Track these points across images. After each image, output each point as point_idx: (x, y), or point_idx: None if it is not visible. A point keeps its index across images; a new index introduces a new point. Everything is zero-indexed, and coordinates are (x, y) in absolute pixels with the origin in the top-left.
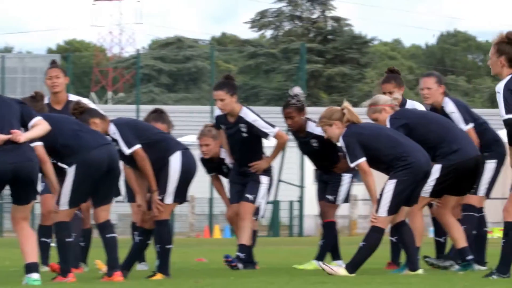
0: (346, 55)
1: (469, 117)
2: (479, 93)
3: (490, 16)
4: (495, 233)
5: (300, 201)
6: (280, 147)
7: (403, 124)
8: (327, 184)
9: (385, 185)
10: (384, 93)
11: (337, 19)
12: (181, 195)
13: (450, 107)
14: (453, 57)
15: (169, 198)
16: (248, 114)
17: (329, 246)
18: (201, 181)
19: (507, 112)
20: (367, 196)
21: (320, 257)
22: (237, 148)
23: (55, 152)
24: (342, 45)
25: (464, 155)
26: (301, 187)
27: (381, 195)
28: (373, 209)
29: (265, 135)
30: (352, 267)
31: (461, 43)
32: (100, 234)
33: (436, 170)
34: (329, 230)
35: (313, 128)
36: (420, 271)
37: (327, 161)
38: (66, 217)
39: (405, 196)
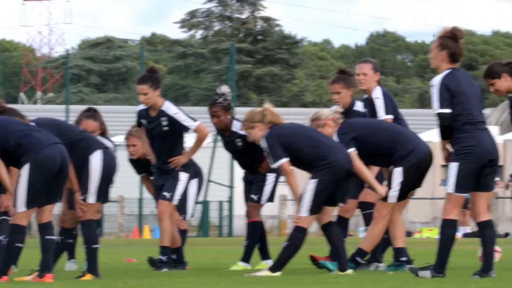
0: (276, 56)
1: (391, 109)
2: (409, 93)
3: (418, 17)
4: (424, 233)
5: (230, 201)
6: (201, 141)
7: (352, 138)
8: (252, 184)
9: (306, 185)
10: (332, 93)
11: (266, 19)
12: (103, 194)
13: (377, 92)
14: (383, 57)
15: (91, 198)
16: (170, 107)
17: (253, 246)
18: (130, 182)
19: (441, 106)
20: None
21: (245, 258)
22: (158, 142)
23: (8, 154)
24: (272, 45)
25: (421, 153)
26: (231, 187)
27: (302, 195)
28: (296, 209)
29: (186, 129)
30: (276, 266)
31: (390, 43)
32: (39, 234)
33: (398, 174)
34: (253, 230)
35: (238, 127)
36: (349, 271)
37: (252, 160)
38: (23, 220)
39: (326, 196)
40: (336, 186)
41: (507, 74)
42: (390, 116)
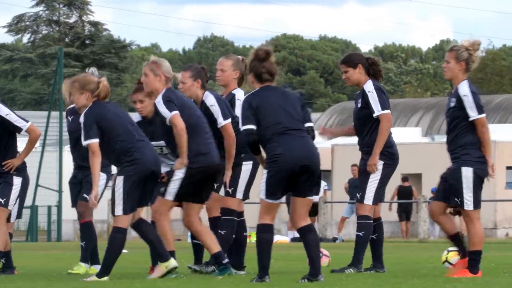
0: (105, 60)
1: (228, 112)
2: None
3: (244, 22)
4: (253, 238)
5: (59, 206)
6: (33, 141)
7: None
8: (82, 183)
9: (116, 182)
10: (134, 102)
11: (94, 24)
12: None
13: (210, 100)
14: (211, 62)
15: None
16: (1, 109)
17: (92, 245)
18: None
19: (243, 124)
20: None
21: (84, 259)
22: None
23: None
24: (100, 49)
25: (210, 161)
26: (59, 191)
27: (112, 193)
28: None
29: (18, 130)
30: (102, 271)
31: (218, 48)
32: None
33: (180, 172)
34: (89, 230)
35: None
36: (172, 262)
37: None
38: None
39: (137, 194)
40: (144, 185)
41: (363, 67)
42: (228, 121)
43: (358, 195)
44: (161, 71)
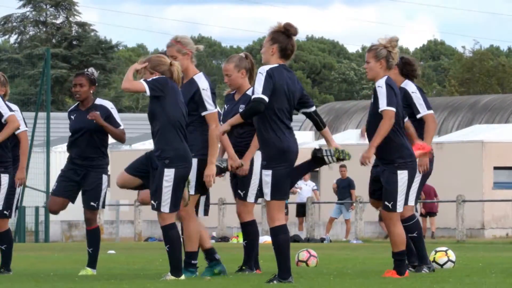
0: (92, 61)
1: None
2: (222, 99)
3: (230, 22)
4: (241, 239)
5: (46, 207)
6: (9, 131)
7: None
8: (81, 185)
9: (163, 176)
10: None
11: (82, 25)
12: None
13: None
14: (198, 62)
15: None
16: None
17: (98, 251)
18: None
19: (260, 92)
20: None
21: (91, 265)
22: None
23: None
24: (88, 50)
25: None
26: (47, 192)
27: (160, 188)
28: None
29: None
30: (176, 270)
31: (206, 49)
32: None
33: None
34: (96, 236)
35: (99, 102)
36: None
37: (90, 145)
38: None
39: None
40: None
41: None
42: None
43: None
44: (187, 49)
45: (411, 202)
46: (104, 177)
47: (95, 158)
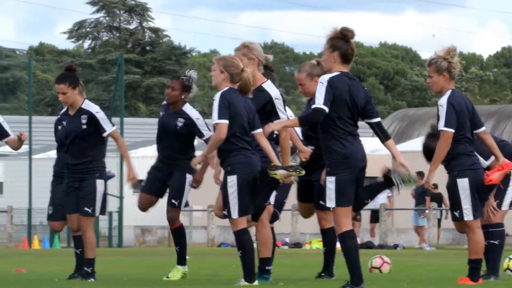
0: (165, 66)
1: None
2: (297, 105)
3: (303, 29)
4: (314, 244)
5: (120, 212)
6: (124, 146)
7: None
8: (168, 181)
9: (227, 182)
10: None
11: (155, 30)
12: None
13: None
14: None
15: None
16: (90, 105)
17: (185, 248)
18: (19, 192)
19: (321, 102)
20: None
21: (180, 262)
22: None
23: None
24: (161, 56)
25: None
26: (121, 197)
27: (226, 194)
28: None
29: (103, 130)
30: (249, 276)
31: (279, 55)
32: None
33: None
34: (181, 234)
35: (188, 109)
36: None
37: (173, 148)
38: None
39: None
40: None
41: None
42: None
43: (495, 203)
44: (253, 54)
45: (505, 207)
46: (189, 176)
47: (179, 159)
